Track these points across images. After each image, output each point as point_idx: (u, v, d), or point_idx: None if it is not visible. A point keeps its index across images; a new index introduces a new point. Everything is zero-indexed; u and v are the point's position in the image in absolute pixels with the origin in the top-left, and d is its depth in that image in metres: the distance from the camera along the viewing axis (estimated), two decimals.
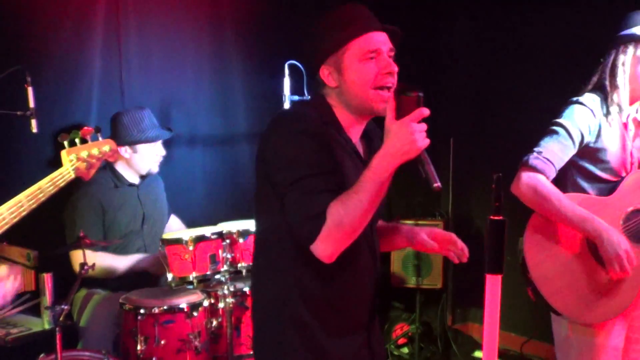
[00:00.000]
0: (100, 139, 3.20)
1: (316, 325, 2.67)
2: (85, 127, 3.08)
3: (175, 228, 4.94)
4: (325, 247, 2.46)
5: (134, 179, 4.65)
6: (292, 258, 2.62)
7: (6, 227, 2.79)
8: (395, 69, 2.59)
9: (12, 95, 3.84)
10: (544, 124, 3.50)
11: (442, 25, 6.30)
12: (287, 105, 4.69)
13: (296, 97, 4.66)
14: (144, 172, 4.64)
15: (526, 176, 3.39)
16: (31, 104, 3.84)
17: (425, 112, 2.38)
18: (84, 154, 3.07)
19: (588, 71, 3.59)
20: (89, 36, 4.87)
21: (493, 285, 2.29)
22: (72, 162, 3.04)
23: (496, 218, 2.29)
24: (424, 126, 2.38)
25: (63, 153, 3.06)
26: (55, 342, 3.59)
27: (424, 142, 2.37)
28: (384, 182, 2.42)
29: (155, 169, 4.65)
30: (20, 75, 3.82)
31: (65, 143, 3.06)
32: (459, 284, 6.28)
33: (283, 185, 2.52)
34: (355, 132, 2.73)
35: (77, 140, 3.07)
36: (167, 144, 4.97)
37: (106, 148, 3.16)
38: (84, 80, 4.86)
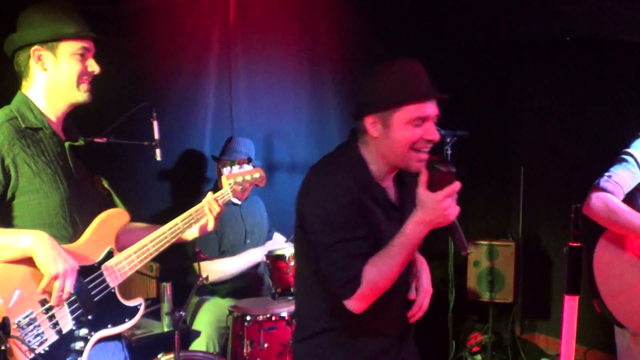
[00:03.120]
0: (251, 167, 3.35)
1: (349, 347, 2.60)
2: (241, 158, 3.22)
3: (279, 241, 4.95)
4: (359, 304, 2.43)
5: (237, 200, 4.66)
6: (325, 297, 2.55)
7: (180, 234, 2.92)
8: (437, 138, 2.46)
9: (140, 128, 3.90)
10: (606, 154, 3.44)
11: (515, 60, 6.18)
12: None
13: None
14: None
15: (596, 195, 3.35)
16: (156, 135, 3.89)
17: (457, 187, 2.32)
18: (239, 179, 3.25)
19: None
20: (204, 77, 4.99)
21: (571, 304, 2.23)
22: (230, 185, 3.21)
23: (574, 245, 2.24)
24: (454, 198, 2.32)
25: (223, 178, 3.24)
26: (173, 343, 3.64)
27: (455, 213, 2.32)
28: (415, 246, 2.38)
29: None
30: (147, 110, 3.88)
31: (224, 170, 3.22)
32: (528, 298, 6.15)
33: (320, 247, 2.47)
34: (386, 179, 2.61)
35: (233, 168, 3.23)
36: (270, 170, 5.03)
37: (257, 175, 3.32)
38: (200, 114, 4.98)
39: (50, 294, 2.44)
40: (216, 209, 3.05)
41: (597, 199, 3.33)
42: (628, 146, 3.41)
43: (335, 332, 2.59)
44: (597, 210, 3.33)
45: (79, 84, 2.65)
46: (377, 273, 2.39)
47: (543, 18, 5.39)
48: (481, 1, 5.58)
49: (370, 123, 2.48)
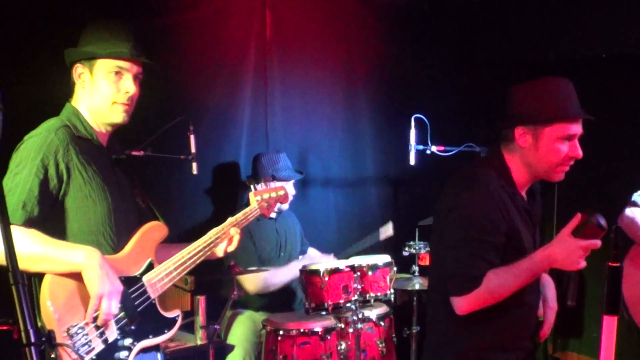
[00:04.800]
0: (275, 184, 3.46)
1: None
2: (266, 176, 3.31)
3: (313, 256, 4.94)
4: (469, 305, 2.55)
5: (272, 214, 4.66)
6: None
7: (214, 247, 2.98)
8: (580, 155, 2.62)
9: (175, 142, 3.93)
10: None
11: (547, 76, 6.14)
12: (412, 154, 4.61)
13: (420, 147, 4.59)
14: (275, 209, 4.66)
15: (629, 210, 3.54)
16: (192, 149, 3.93)
17: (598, 244, 2.45)
18: (266, 195, 3.34)
19: None
20: (240, 91, 5.01)
21: (610, 324, 2.24)
22: (258, 202, 3.29)
23: (613, 264, 2.24)
24: (587, 252, 2.45)
25: (251, 195, 3.31)
26: (206, 356, 3.66)
27: (582, 265, 2.46)
28: (536, 275, 2.56)
29: (285, 206, 4.64)
30: (183, 124, 3.90)
31: (252, 187, 3.35)
32: (560, 316, 6.07)
33: (452, 240, 2.60)
34: (524, 187, 2.75)
35: (259, 185, 3.36)
36: (304, 184, 5.02)
37: (281, 192, 3.43)
38: (235, 128, 5.00)
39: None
40: (236, 232, 3.07)
41: (627, 215, 3.54)
42: None
43: (464, 345, 2.69)
44: (626, 224, 3.52)
45: (112, 104, 2.66)
46: (497, 284, 2.52)
47: (577, 34, 5.39)
48: (517, 20, 5.60)
49: (521, 134, 2.65)
